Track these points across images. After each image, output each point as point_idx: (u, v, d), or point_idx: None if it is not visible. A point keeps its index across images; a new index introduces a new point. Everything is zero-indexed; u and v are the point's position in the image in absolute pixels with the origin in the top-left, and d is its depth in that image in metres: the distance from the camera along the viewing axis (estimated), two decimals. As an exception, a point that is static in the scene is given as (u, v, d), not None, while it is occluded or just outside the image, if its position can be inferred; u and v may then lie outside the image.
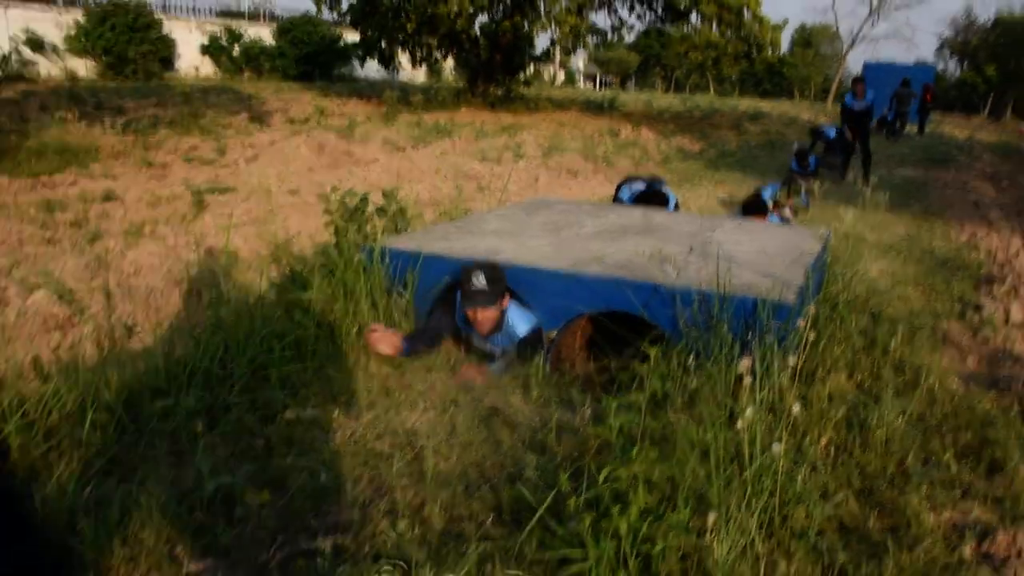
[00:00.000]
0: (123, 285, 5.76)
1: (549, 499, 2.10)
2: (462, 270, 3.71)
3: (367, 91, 24.45)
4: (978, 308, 5.08)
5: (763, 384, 2.72)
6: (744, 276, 3.51)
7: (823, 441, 2.80)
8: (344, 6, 22.74)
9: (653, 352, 2.43)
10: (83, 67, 26.28)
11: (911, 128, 23.12)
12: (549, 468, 2.67)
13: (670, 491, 2.25)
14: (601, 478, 1.93)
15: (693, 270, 3.64)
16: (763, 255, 4.02)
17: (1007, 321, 4.83)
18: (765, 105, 34.95)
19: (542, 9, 20.21)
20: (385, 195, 4.57)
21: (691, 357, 3.02)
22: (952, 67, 59.46)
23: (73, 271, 6.00)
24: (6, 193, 8.76)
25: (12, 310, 5.22)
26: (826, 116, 29.57)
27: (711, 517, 2.06)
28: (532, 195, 9.22)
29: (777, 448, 2.25)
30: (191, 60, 32.02)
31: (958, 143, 21.39)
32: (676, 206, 6.94)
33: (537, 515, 2.10)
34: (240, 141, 13.11)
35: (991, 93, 54.09)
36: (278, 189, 9.55)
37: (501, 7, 20.77)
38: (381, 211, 4.54)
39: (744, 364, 2.30)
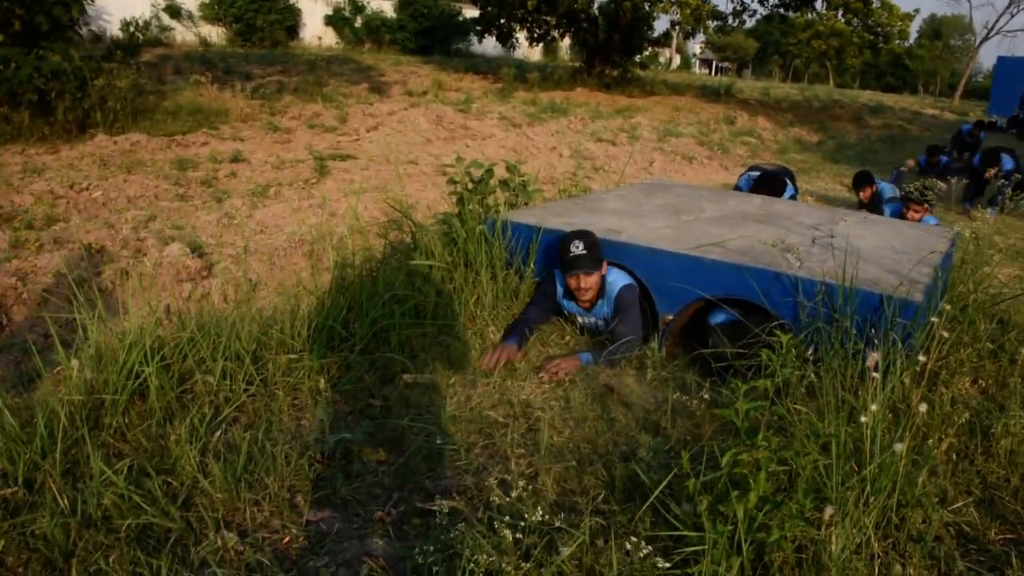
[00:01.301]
0: (251, 242, 6.06)
1: (668, 479, 2.13)
2: (560, 242, 3.79)
3: (483, 67, 24.64)
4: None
5: (887, 382, 2.66)
6: (869, 271, 3.43)
7: (944, 446, 2.73)
8: (465, -19, 22.96)
9: (786, 339, 2.42)
10: (215, 34, 27.37)
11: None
12: (662, 449, 2.70)
13: (787, 481, 2.25)
14: (724, 461, 1.94)
15: (816, 261, 3.58)
16: (888, 251, 3.91)
17: None
18: (887, 99, 33.50)
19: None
20: (509, 168, 4.64)
21: (811, 350, 2.98)
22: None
23: (204, 227, 6.34)
24: (144, 151, 9.27)
25: (149, 260, 5.56)
26: (952, 113, 28.13)
27: (828, 511, 2.05)
28: (647, 178, 9.15)
29: (899, 448, 2.22)
30: (315, 30, 32.89)
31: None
32: (794, 196, 6.81)
33: (656, 493, 2.13)
34: (361, 110, 13.45)
35: None
36: (397, 159, 9.78)
37: (621, -13, 20.54)
38: (504, 184, 4.61)
39: (872, 358, 2.27)
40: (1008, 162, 9.34)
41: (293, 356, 3.37)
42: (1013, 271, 5.87)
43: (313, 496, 2.55)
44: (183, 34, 26.82)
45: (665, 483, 2.14)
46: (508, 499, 2.46)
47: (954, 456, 2.72)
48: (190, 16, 27.88)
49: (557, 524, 2.26)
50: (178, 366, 3.19)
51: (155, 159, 8.94)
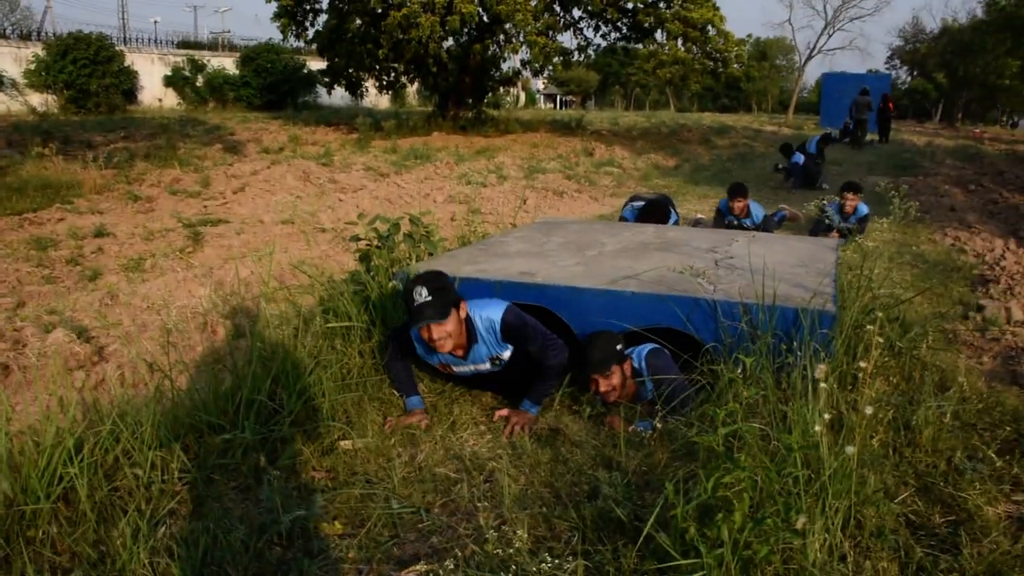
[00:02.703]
0: (138, 321, 5.76)
1: (657, 511, 2.18)
2: (404, 289, 3.48)
3: (335, 119, 24.51)
4: (980, 308, 5.29)
5: (813, 390, 2.83)
6: (778, 287, 3.64)
7: (875, 443, 2.93)
8: (310, 34, 22.84)
9: (749, 361, 2.54)
10: (44, 102, 26.00)
11: (872, 136, 23.71)
12: (621, 483, 2.77)
13: (758, 497, 2.36)
14: (709, 485, 2.02)
15: (726, 283, 3.77)
16: (786, 266, 4.17)
17: (1009, 320, 5.04)
18: (727, 119, 35.62)
19: (511, 31, 20.45)
20: (413, 220, 4.65)
21: (738, 369, 3.13)
22: (903, 75, 61.04)
23: (84, 308, 5.99)
24: (-6, 233, 8.68)
25: (31, 351, 5.20)
26: (788, 128, 30.18)
27: (801, 519, 2.17)
28: (524, 216, 9.34)
29: (851, 450, 2.37)
30: (154, 92, 31.89)
31: (919, 149, 21.99)
32: (676, 222, 7.15)
33: (648, 526, 2.18)
34: (222, 172, 13.09)
35: (942, 99, 55.61)
36: (270, 219, 9.56)
37: (467, 31, 20.98)
38: (409, 237, 4.61)
39: (820, 370, 2.42)
40: (798, 157, 12.83)
41: (226, 436, 3.24)
42: (881, 271, 6.34)
43: (280, 580, 2.46)
44: (8, 104, 25.31)
45: (655, 516, 2.19)
46: (482, 552, 2.46)
47: (889, 451, 2.93)
48: (14, 84, 26.37)
49: (546, 568, 2.28)
50: (101, 461, 3.01)
51: (8, 240, 8.37)
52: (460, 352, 3.57)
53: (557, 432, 3.36)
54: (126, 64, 28.94)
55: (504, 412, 3.54)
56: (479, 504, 2.79)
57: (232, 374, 3.75)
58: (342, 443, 3.35)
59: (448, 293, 3.40)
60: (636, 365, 3.56)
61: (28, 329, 5.47)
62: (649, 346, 3.60)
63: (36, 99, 25.95)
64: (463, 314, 3.48)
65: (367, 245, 4.55)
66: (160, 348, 5.37)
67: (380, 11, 19.57)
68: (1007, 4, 40.92)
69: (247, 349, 4.07)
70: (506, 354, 3.61)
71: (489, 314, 3.54)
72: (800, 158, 13.20)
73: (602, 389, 3.47)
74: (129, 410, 3.33)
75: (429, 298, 3.30)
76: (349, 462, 3.19)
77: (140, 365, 4.97)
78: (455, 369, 3.73)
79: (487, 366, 3.66)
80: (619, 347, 3.46)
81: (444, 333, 3.37)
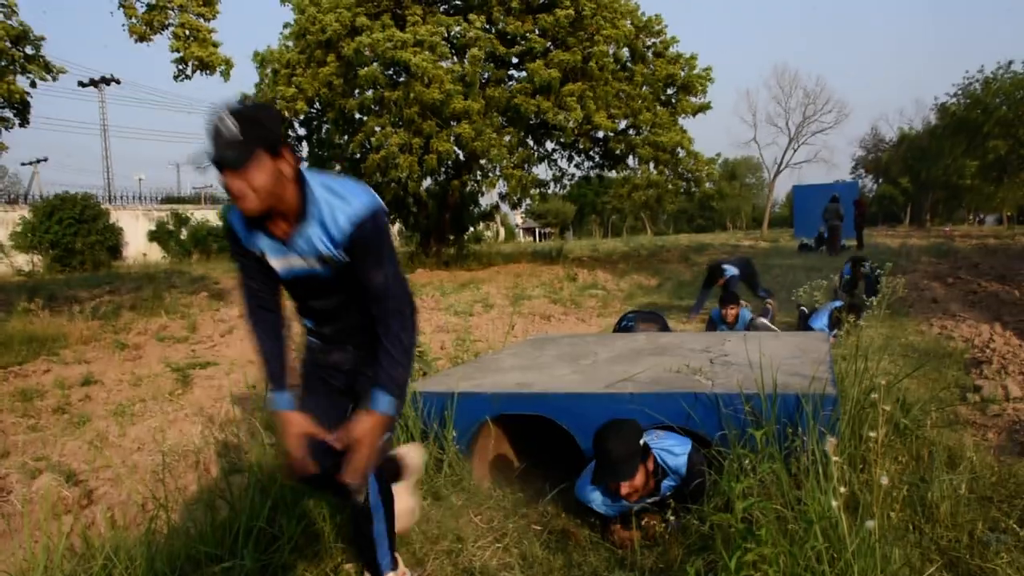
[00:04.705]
0: (128, 462, 5.64)
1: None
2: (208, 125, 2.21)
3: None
4: (977, 389, 5.30)
5: (825, 470, 2.79)
6: (776, 377, 3.65)
7: (894, 518, 2.87)
8: (292, 184, 23.41)
9: (759, 434, 2.52)
10: (30, 261, 26.26)
11: (849, 242, 24.26)
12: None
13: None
14: (732, 565, 1.97)
15: (724, 378, 3.77)
16: (781, 359, 4.18)
17: (1008, 397, 5.05)
18: (704, 238, 36.44)
19: (487, 167, 21.12)
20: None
21: (746, 454, 3.09)
22: (869, 183, 63.24)
23: (73, 453, 5.87)
24: (-21, 389, 8.57)
25: (16, 497, 5.06)
26: (765, 241, 30.85)
27: (830, 598, 2.10)
28: (512, 341, 9.37)
29: (871, 524, 2.32)
30: (138, 247, 32.33)
31: (895, 250, 22.50)
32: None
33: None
34: (209, 316, 13.12)
35: (909, 203, 57.47)
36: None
37: (444, 169, 21.65)
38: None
39: (831, 443, 2.40)
40: (730, 270, 10.48)
41: (225, 565, 3.13)
42: (874, 362, 6.38)
43: None
44: (-7, 267, 25.54)
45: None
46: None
47: (909, 527, 2.86)
48: (0, 247, 26.72)
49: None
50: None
51: (-7, 395, 8.28)
52: (281, 231, 2.41)
53: (566, 535, 3.27)
54: (111, 221, 29.43)
55: (338, 435, 2.39)
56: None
57: (229, 504, 3.67)
58: (346, 567, 3.25)
59: (267, 130, 2.23)
60: (665, 462, 3.29)
61: (13, 476, 5.34)
62: (688, 442, 3.32)
63: (22, 259, 26.24)
64: (289, 169, 2.30)
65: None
66: (152, 487, 5.25)
67: (359, 155, 20.23)
68: (957, 108, 42.97)
69: (243, 481, 4.01)
70: (339, 257, 2.39)
71: (338, 190, 2.38)
72: (734, 270, 11.83)
73: (624, 492, 3.14)
74: (122, 546, 3.23)
75: (237, 136, 2.17)
76: (356, 585, 3.08)
77: (132, 504, 4.85)
78: (272, 262, 2.49)
79: (308, 264, 2.43)
80: (642, 441, 3.20)
81: (246, 187, 2.22)
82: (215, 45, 13.88)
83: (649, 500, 3.28)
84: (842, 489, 2.33)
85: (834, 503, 2.35)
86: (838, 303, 8.46)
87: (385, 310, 2.37)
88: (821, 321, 8.04)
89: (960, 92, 43.80)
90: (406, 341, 2.39)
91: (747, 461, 2.92)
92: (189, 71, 14.10)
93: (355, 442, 2.32)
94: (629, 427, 3.21)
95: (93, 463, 5.64)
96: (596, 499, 3.32)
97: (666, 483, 3.28)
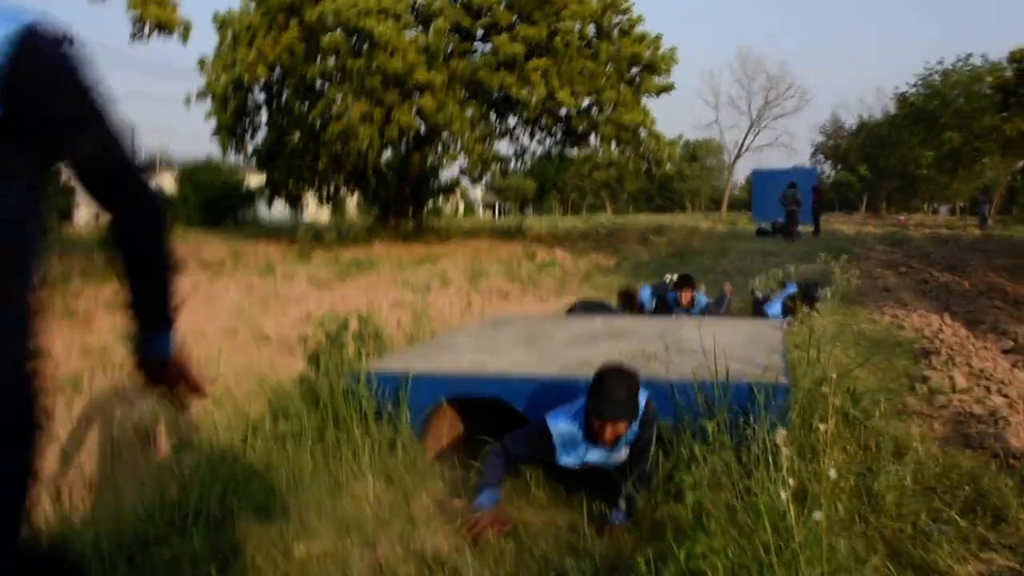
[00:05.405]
0: (75, 437, 5.53)
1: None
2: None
3: (275, 232, 24.49)
4: (925, 379, 5.41)
5: (776, 459, 2.83)
6: (730, 366, 3.68)
7: (841, 509, 2.92)
8: (250, 149, 23.06)
9: (711, 426, 2.53)
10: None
11: (805, 228, 24.61)
12: (590, 570, 2.69)
13: (731, 567, 2.31)
14: (682, 557, 1.98)
15: (679, 365, 3.79)
16: (735, 347, 4.22)
17: (954, 388, 5.17)
18: (663, 219, 36.68)
19: (448, 141, 21.00)
20: (361, 320, 4.62)
21: (697, 446, 3.12)
22: (827, 169, 64.10)
23: (18, 429, 5.74)
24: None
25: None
26: (723, 224, 31.15)
27: (777, 590, 2.12)
28: (470, 319, 9.34)
29: (818, 516, 2.35)
30: (90, 211, 31.55)
31: (850, 237, 22.89)
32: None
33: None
34: (162, 287, 12.91)
35: (866, 191, 58.47)
36: (213, 331, 9.38)
37: (405, 141, 21.45)
38: (358, 337, 4.57)
39: (781, 435, 2.42)
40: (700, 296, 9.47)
41: (175, 545, 3.09)
42: (825, 349, 6.48)
43: None
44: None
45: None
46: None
47: (855, 518, 2.92)
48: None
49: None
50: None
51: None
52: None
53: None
54: (61, 183, 28.62)
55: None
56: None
57: (178, 484, 3.62)
58: (297, 549, 3.22)
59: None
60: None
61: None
62: (644, 392, 3.38)
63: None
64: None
65: (316, 347, 4.50)
66: (99, 464, 5.15)
67: (319, 125, 19.95)
68: (916, 98, 43.71)
69: (194, 460, 3.95)
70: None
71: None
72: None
73: (607, 436, 3.17)
74: (69, 529, 3.18)
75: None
76: (306, 569, 3.05)
77: (77, 482, 4.75)
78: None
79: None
80: (637, 400, 3.24)
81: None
82: (174, 6, 13.52)
83: (605, 459, 3.32)
84: (791, 480, 2.36)
85: (783, 494, 2.38)
86: (791, 290, 8.56)
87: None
88: (775, 308, 8.13)
89: (920, 83, 44.63)
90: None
91: (698, 449, 2.94)
92: (146, 32, 13.72)
93: None
94: (633, 377, 3.24)
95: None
96: (562, 439, 3.31)
97: (624, 437, 3.27)
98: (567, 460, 3.37)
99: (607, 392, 3.14)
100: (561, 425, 3.34)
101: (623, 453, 3.34)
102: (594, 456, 3.31)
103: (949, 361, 5.90)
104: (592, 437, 3.25)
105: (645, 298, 8.82)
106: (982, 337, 7.17)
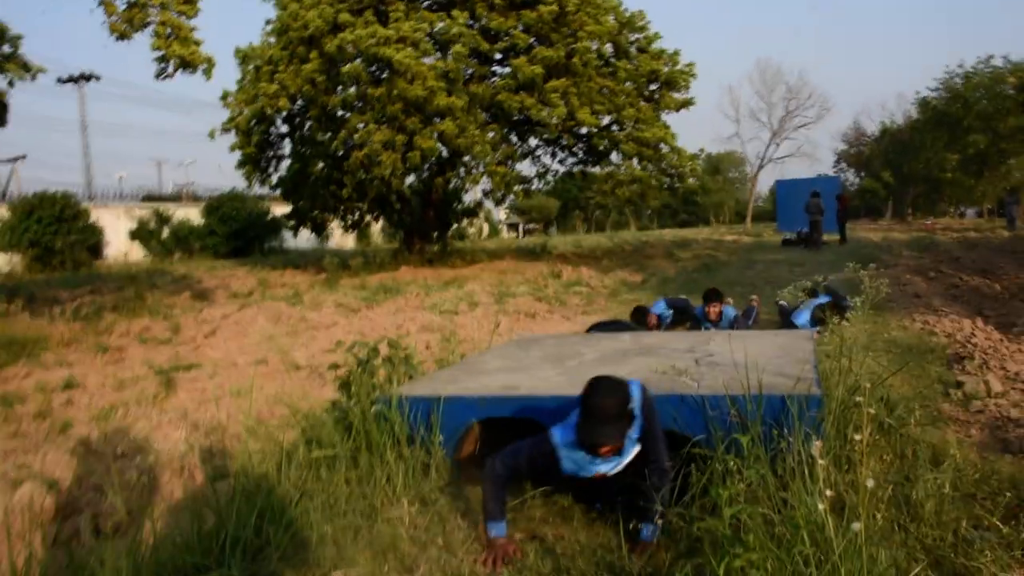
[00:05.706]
0: (112, 469, 5.59)
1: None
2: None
3: (301, 261, 24.71)
4: (959, 385, 5.34)
5: (811, 470, 2.80)
6: (761, 378, 3.66)
7: (879, 519, 2.89)
8: (274, 179, 23.31)
9: (745, 440, 2.52)
10: (8, 262, 25.95)
11: (830, 237, 24.40)
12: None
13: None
14: (721, 571, 1.97)
15: (710, 379, 3.78)
16: (766, 358, 4.20)
17: (990, 392, 5.09)
18: (688, 233, 36.54)
19: (470, 164, 21.10)
20: (391, 345, 4.65)
21: (732, 459, 3.10)
22: (851, 177, 63.54)
23: (55, 460, 5.81)
24: (-43, 394, 8.47)
25: (-1, 508, 5.00)
26: (748, 236, 30.97)
27: (818, 602, 2.11)
28: (498, 339, 9.36)
29: (857, 526, 2.33)
30: (120, 246, 32.06)
31: (877, 244, 22.65)
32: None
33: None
34: (192, 318, 13.04)
35: (891, 197, 57.91)
36: (244, 361, 9.48)
37: (427, 166, 21.58)
38: (388, 361, 4.60)
39: (817, 447, 2.41)
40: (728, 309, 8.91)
41: (214, 575, 3.11)
42: (858, 357, 6.41)
43: None
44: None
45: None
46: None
47: (894, 527, 2.88)
48: (-24, 247, 26.44)
49: None
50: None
51: (-29, 402, 8.18)
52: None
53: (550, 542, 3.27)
54: (91, 220, 29.13)
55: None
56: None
57: (215, 513, 3.65)
58: (334, 574, 3.23)
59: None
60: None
61: (-5, 486, 5.28)
62: (637, 383, 3.35)
63: (0, 259, 25.91)
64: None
65: (346, 373, 4.53)
66: (137, 495, 5.21)
67: (341, 153, 20.13)
68: (938, 102, 43.32)
69: (229, 489, 3.99)
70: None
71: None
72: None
73: (603, 452, 3.13)
74: (107, 556, 3.21)
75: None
76: (343, 593, 3.07)
77: (116, 513, 4.81)
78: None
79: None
80: (630, 406, 3.17)
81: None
82: (197, 43, 13.73)
83: (616, 465, 3.26)
84: (828, 491, 2.34)
85: (820, 506, 2.37)
86: (821, 300, 8.50)
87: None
88: (803, 318, 8.07)
89: (941, 87, 44.20)
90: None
91: (732, 464, 2.93)
92: (171, 70, 13.94)
93: None
94: (619, 386, 3.18)
95: (77, 470, 5.59)
96: (567, 450, 3.27)
97: (628, 442, 3.23)
98: (573, 470, 3.31)
99: (594, 419, 3.07)
100: (565, 437, 3.30)
101: (633, 452, 3.29)
102: (603, 467, 3.27)
103: (983, 365, 5.82)
104: (593, 457, 3.21)
105: (660, 310, 8.83)
106: (1016, 340, 7.06)
